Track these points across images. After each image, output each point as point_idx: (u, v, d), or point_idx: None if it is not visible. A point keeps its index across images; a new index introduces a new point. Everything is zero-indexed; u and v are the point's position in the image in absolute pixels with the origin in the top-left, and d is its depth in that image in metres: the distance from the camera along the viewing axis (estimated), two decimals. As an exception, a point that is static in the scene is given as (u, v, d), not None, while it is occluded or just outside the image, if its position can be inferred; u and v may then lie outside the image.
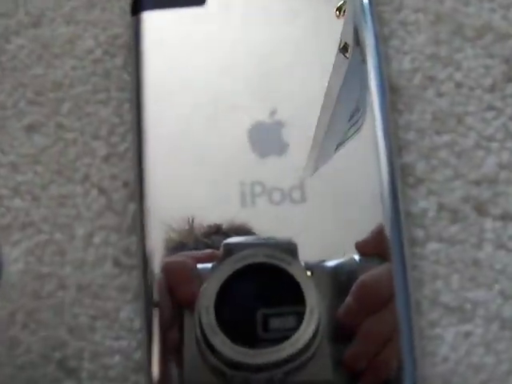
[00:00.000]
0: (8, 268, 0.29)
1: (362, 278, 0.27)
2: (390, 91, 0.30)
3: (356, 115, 0.29)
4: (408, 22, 0.32)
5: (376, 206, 0.28)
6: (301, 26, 0.31)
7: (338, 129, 0.29)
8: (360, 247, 0.27)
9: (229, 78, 0.30)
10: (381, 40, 0.31)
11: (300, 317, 0.25)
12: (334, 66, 0.30)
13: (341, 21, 0.31)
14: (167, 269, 0.27)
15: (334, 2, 0.31)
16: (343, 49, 0.30)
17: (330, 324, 0.26)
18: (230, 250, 0.27)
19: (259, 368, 0.25)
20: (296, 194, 0.28)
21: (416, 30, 0.32)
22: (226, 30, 0.31)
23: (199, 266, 0.27)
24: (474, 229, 0.29)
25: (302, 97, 0.30)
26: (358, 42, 0.30)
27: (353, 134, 0.29)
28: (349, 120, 0.29)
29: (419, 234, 0.29)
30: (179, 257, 0.28)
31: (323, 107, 0.29)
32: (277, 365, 0.25)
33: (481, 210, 0.29)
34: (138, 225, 0.28)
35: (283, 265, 0.26)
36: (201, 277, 0.27)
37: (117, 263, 0.29)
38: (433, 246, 0.29)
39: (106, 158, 0.31)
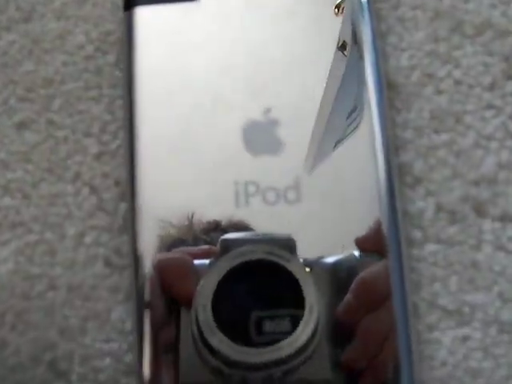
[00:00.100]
0: (-3, 268, 0.29)
1: (362, 275, 0.26)
2: (388, 88, 0.30)
3: (354, 113, 0.29)
4: (406, 19, 0.32)
5: (373, 203, 0.28)
6: (297, 23, 0.31)
7: (335, 127, 0.29)
8: (359, 243, 0.27)
9: (222, 75, 0.30)
10: (378, 37, 0.30)
11: (299, 314, 0.25)
12: (333, 64, 0.30)
13: (339, 18, 0.30)
14: (162, 265, 0.27)
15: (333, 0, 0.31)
16: (341, 47, 0.30)
17: (329, 322, 0.26)
18: (228, 246, 0.26)
19: (257, 367, 0.25)
20: (291, 193, 0.28)
21: (414, 27, 0.31)
22: (221, 27, 0.31)
23: (196, 262, 0.27)
24: (472, 230, 0.29)
25: (296, 95, 0.29)
26: (356, 40, 0.30)
27: (350, 132, 0.29)
28: (346, 118, 0.29)
29: (417, 234, 0.29)
30: (175, 253, 0.27)
31: (321, 105, 0.29)
32: (275, 363, 0.25)
33: (480, 210, 0.29)
34: (130, 224, 0.28)
35: (282, 261, 0.26)
36: (198, 273, 0.26)
37: (108, 263, 0.29)
38: (431, 247, 0.29)
39: (98, 156, 0.30)
